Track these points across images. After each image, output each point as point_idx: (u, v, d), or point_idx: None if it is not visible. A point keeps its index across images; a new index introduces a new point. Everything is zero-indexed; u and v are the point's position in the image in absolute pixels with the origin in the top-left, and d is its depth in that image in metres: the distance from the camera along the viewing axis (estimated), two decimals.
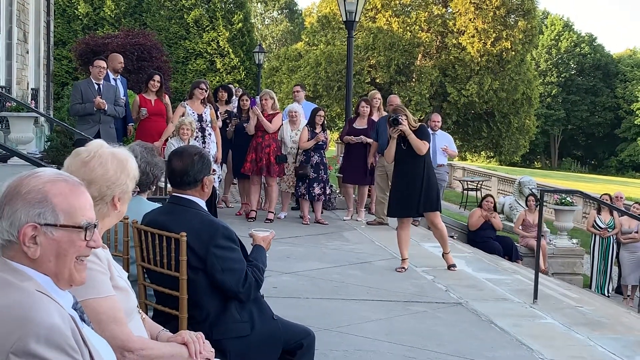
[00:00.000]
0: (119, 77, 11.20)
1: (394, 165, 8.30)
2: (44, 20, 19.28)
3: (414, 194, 8.00)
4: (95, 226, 2.08)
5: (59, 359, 1.83)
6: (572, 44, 70.31)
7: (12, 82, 15.81)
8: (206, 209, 3.71)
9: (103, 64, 10.15)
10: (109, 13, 33.17)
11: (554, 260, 13.15)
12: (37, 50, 18.75)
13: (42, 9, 19.11)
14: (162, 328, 2.97)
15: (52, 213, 1.98)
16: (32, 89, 18.00)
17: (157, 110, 10.66)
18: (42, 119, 15.44)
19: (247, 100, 11.56)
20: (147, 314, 3.26)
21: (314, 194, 10.98)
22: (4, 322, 1.83)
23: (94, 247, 2.10)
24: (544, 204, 8.65)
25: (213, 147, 10.32)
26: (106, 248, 2.77)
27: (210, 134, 10.38)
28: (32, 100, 17.35)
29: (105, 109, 9.74)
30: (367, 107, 11.48)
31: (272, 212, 11.06)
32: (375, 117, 11.49)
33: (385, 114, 11.94)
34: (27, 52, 17.45)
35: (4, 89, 14.82)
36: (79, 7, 33.11)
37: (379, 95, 12.31)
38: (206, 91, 10.55)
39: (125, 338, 2.52)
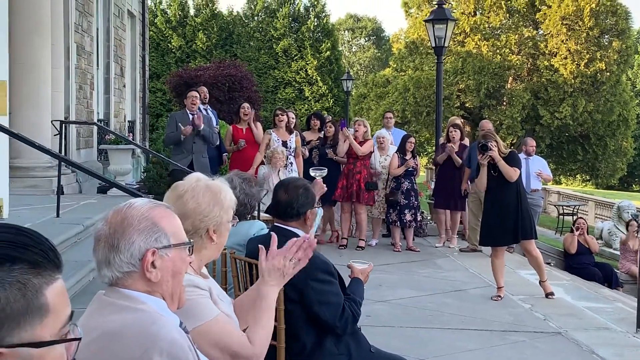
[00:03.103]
0: (208, 107, 11.54)
1: (485, 192, 8.15)
2: (140, 55, 19.94)
3: (507, 223, 7.82)
4: None
5: None
6: None
7: (110, 115, 16.37)
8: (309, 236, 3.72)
9: (195, 93, 10.54)
10: (200, 45, 34.08)
11: None
12: (134, 84, 19.38)
13: (138, 43, 19.78)
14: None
15: (165, 236, 2.07)
16: (129, 121, 18.59)
17: (249, 137, 10.91)
18: (138, 150, 15.91)
19: (331, 127, 11.55)
20: None
21: (405, 221, 10.90)
22: (127, 339, 1.91)
23: (191, 262, 2.20)
24: None
25: (294, 175, 10.36)
26: (208, 277, 2.81)
27: (291, 163, 10.43)
28: (129, 132, 17.91)
29: (200, 128, 9.97)
30: (456, 131, 11.37)
31: (363, 240, 11.02)
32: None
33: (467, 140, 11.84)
34: (124, 86, 18.06)
35: (102, 122, 15.37)
36: (172, 40, 34.15)
37: (459, 121, 12.22)
38: (283, 115, 10.63)
39: (239, 349, 2.57)
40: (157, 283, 2.06)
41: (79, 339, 1.36)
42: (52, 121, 11.02)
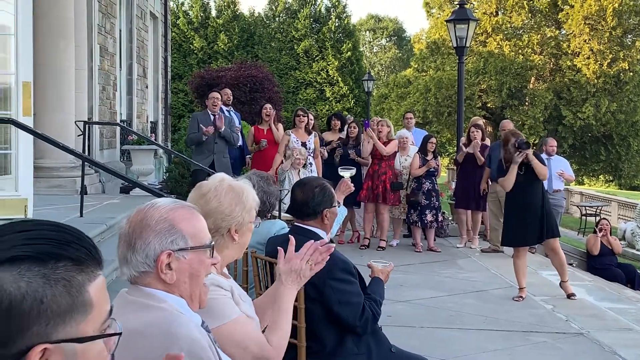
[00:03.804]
0: (231, 109, 11.60)
1: (507, 192, 8.07)
2: (162, 56, 20.06)
3: (533, 222, 7.77)
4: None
5: None
6: None
7: (133, 116, 16.49)
8: (327, 241, 3.74)
9: (216, 95, 10.60)
10: (222, 47, 34.21)
11: None
12: (156, 85, 19.50)
13: (160, 44, 19.90)
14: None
15: (182, 238, 2.08)
16: (151, 122, 18.71)
17: (271, 138, 10.97)
18: (161, 150, 16.01)
19: (355, 128, 11.55)
20: None
21: (426, 221, 10.88)
22: (148, 338, 1.93)
23: (215, 264, 2.20)
24: None
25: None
26: (230, 277, 2.83)
27: (311, 163, 10.43)
28: (151, 132, 18.03)
29: (222, 130, 10.07)
30: (478, 131, 11.32)
31: (384, 240, 11.02)
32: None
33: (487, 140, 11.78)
34: (147, 87, 18.18)
35: (125, 123, 15.48)
36: (194, 42, 34.31)
37: (480, 122, 12.17)
38: (305, 117, 10.62)
39: (258, 350, 2.59)
40: (174, 284, 2.07)
41: (120, 334, 1.38)
42: (75, 122, 11.12)
